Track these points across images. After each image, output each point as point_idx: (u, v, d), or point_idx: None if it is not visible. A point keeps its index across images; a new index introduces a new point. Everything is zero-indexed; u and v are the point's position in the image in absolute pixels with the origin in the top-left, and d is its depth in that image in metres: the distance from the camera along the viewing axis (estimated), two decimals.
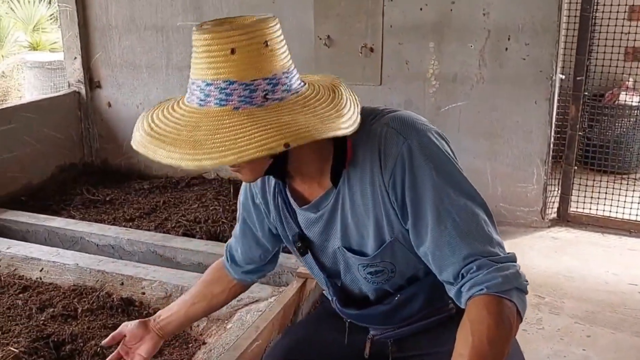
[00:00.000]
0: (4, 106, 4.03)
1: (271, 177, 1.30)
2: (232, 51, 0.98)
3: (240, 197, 1.43)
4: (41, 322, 2.21)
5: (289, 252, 2.73)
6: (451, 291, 1.15)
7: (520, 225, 3.25)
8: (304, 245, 1.30)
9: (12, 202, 3.56)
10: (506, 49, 3.12)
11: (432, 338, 1.32)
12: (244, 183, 1.39)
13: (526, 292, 1.11)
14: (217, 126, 0.98)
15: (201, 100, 1.02)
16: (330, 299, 1.40)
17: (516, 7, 3.05)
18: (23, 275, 2.62)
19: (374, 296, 1.32)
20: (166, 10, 3.84)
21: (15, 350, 1.99)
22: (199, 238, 3.00)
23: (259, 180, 1.33)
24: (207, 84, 1.01)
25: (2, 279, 2.60)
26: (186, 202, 3.56)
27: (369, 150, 1.14)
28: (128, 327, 1.47)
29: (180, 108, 1.07)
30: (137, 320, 1.48)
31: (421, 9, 3.22)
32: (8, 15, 8.91)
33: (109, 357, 1.47)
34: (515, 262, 1.12)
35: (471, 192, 1.13)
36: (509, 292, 1.08)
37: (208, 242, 2.90)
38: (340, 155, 1.16)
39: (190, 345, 2.14)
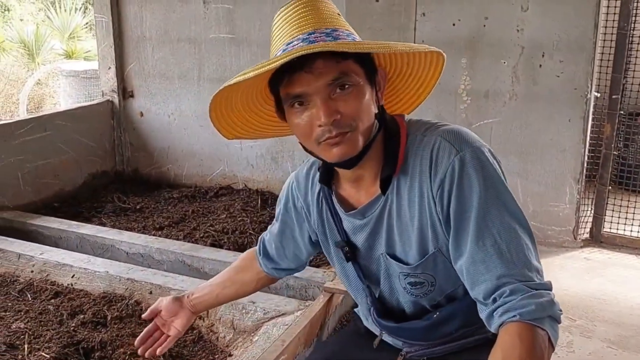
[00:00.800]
0: (40, 114, 4.13)
1: (315, 182, 1.32)
2: (338, 14, 1.16)
3: (282, 199, 1.44)
4: (72, 328, 2.24)
5: (317, 266, 2.73)
6: (482, 312, 1.14)
7: (552, 245, 3.20)
8: (351, 251, 1.30)
9: (45, 208, 3.64)
10: (540, 65, 3.09)
11: None
12: (288, 185, 1.41)
13: (559, 322, 1.09)
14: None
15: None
16: (366, 310, 1.39)
17: (551, 24, 3.02)
18: (55, 281, 2.67)
19: (410, 310, 1.31)
20: (199, 23, 3.90)
21: (46, 355, 2.02)
22: (226, 249, 3.02)
23: (302, 185, 1.36)
24: (310, 33, 1.09)
25: (35, 284, 2.64)
26: (214, 212, 3.58)
27: (420, 160, 1.16)
28: (164, 302, 1.56)
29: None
30: (172, 296, 1.57)
31: (454, 25, 3.21)
32: (45, 23, 9.16)
33: (146, 327, 1.57)
34: (551, 290, 1.10)
35: (517, 215, 1.12)
36: (542, 320, 1.06)
37: (236, 253, 2.91)
38: (391, 162, 1.18)
39: (216, 356, 2.15)
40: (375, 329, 1.44)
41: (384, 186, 1.20)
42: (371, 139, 1.16)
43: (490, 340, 1.25)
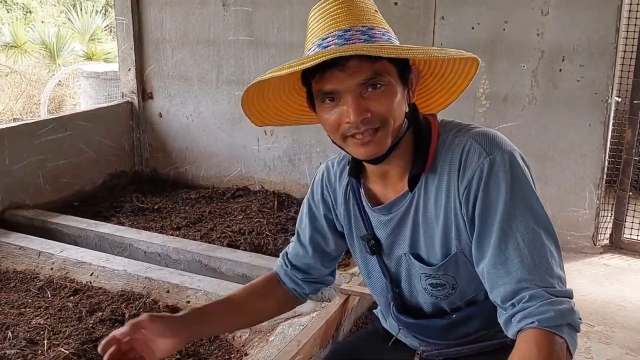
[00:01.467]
0: (61, 114, 4.19)
1: (344, 175, 1.32)
2: (376, 11, 1.16)
3: (307, 195, 1.42)
4: (90, 325, 2.27)
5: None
6: (501, 317, 1.13)
7: (570, 250, 3.16)
8: (377, 245, 1.30)
9: (65, 207, 3.68)
10: (560, 70, 3.06)
11: None
12: (319, 175, 1.39)
13: (578, 331, 1.08)
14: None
15: (341, 44, 1.09)
16: (386, 306, 1.39)
17: (571, 28, 2.99)
18: (74, 279, 2.70)
19: (430, 311, 1.31)
20: (218, 25, 3.93)
21: (65, 351, 2.05)
22: (243, 249, 3.03)
23: (332, 177, 1.36)
24: (346, 30, 1.09)
25: (55, 281, 2.68)
26: (231, 213, 3.60)
27: (450, 160, 1.16)
28: (146, 318, 1.19)
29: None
30: (158, 315, 1.23)
31: (473, 28, 3.20)
32: (66, 25, 9.29)
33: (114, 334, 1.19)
34: (572, 298, 1.09)
35: (543, 221, 1.12)
36: (560, 327, 1.05)
37: (252, 253, 2.92)
38: (420, 160, 1.18)
39: (232, 355, 2.16)
40: (393, 328, 1.44)
41: (412, 183, 1.20)
42: (400, 137, 1.16)
43: (509, 345, 1.24)
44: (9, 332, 2.23)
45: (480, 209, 1.12)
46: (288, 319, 2.24)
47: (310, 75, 1.12)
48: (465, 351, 1.31)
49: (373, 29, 1.11)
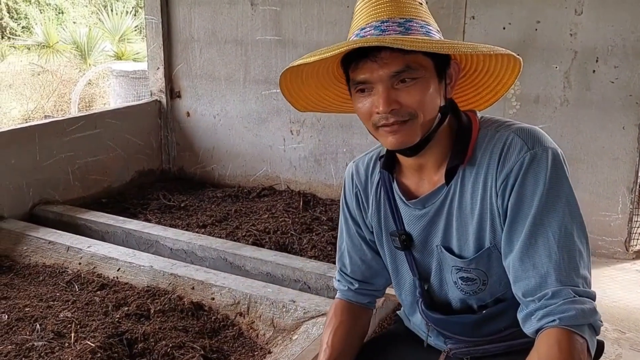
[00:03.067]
0: (91, 112, 4.25)
1: (376, 171, 1.32)
2: (420, 3, 1.16)
3: (343, 195, 1.41)
4: (116, 320, 2.29)
5: None
6: (520, 312, 1.12)
7: (602, 255, 3.09)
8: (408, 240, 1.29)
9: (94, 203, 3.73)
10: (594, 71, 3.00)
11: None
12: (348, 176, 1.38)
13: (598, 333, 1.07)
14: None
15: (377, 35, 1.10)
16: (413, 303, 1.37)
17: (606, 28, 2.93)
18: (101, 274, 2.73)
19: (458, 308, 1.29)
20: (246, 24, 3.94)
21: (91, 344, 2.07)
22: (267, 248, 3.03)
23: (362, 174, 1.36)
24: (383, 21, 1.10)
25: (82, 275, 2.71)
26: (257, 212, 3.61)
27: (489, 153, 1.16)
28: None
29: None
30: None
31: (504, 28, 3.15)
32: (97, 26, 9.44)
33: None
34: (594, 300, 1.08)
35: (577, 221, 1.11)
36: (582, 327, 1.03)
37: (277, 252, 2.92)
38: (458, 153, 1.18)
39: (256, 353, 2.16)
40: (418, 328, 1.42)
41: (449, 176, 1.19)
42: (431, 131, 1.16)
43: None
44: (37, 325, 2.26)
45: (515, 201, 1.11)
46: (312, 317, 2.23)
47: (348, 64, 1.14)
48: (493, 350, 1.29)
49: (412, 21, 1.11)
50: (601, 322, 1.07)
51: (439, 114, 1.16)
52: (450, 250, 1.24)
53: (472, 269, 1.21)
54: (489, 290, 1.23)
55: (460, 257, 1.22)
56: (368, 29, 1.11)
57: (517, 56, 1.18)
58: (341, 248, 1.45)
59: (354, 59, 1.12)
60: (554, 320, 1.04)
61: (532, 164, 1.10)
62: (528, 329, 1.09)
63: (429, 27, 1.14)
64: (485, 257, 1.19)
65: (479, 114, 1.25)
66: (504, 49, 1.15)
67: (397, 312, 1.57)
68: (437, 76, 1.14)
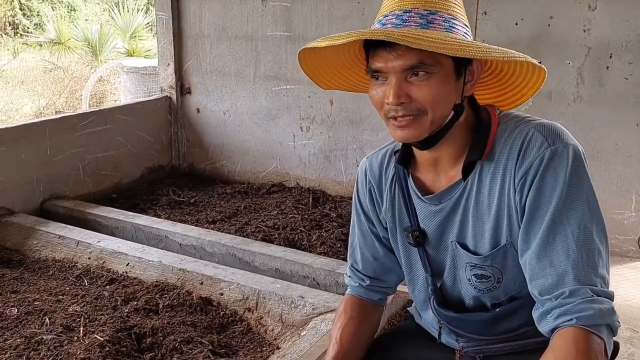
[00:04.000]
0: (101, 107, 4.25)
1: (390, 167, 1.31)
2: None
3: (356, 192, 1.40)
4: (125, 314, 2.29)
5: None
6: (536, 310, 1.10)
7: (615, 254, 3.05)
8: (421, 236, 1.28)
9: (104, 199, 3.74)
10: (607, 67, 2.96)
11: None
12: (361, 172, 1.37)
13: (615, 333, 1.05)
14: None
15: (397, 25, 1.10)
16: (425, 300, 1.36)
17: (620, 24, 2.89)
18: (110, 268, 2.73)
19: (471, 305, 1.27)
20: (257, 20, 3.93)
21: (100, 338, 2.07)
22: (277, 244, 3.02)
23: (376, 170, 1.34)
24: (406, 11, 1.09)
25: (92, 270, 2.72)
26: (266, 209, 3.60)
27: (509, 148, 1.14)
28: None
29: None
30: None
31: (516, 24, 3.12)
32: (108, 23, 9.48)
33: None
34: (612, 300, 1.06)
35: (597, 218, 1.09)
36: (599, 327, 1.02)
37: (286, 248, 2.91)
38: (477, 148, 1.16)
39: (264, 349, 2.15)
40: (430, 325, 1.41)
41: (467, 171, 1.17)
42: (443, 127, 1.14)
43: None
44: (47, 318, 2.26)
45: (534, 198, 1.09)
46: (321, 314, 2.22)
47: (368, 49, 1.14)
48: (507, 349, 1.27)
49: (435, 13, 1.09)
50: (619, 322, 1.05)
51: (452, 111, 1.14)
52: (465, 247, 1.22)
53: (487, 266, 1.20)
54: (503, 288, 1.22)
55: (475, 253, 1.20)
56: (390, 16, 1.11)
57: (539, 65, 1.15)
58: (353, 244, 1.43)
59: (371, 46, 1.12)
60: (571, 320, 1.02)
61: (552, 160, 1.08)
62: (544, 327, 1.08)
63: (454, 20, 1.11)
64: (501, 255, 1.18)
65: (497, 109, 1.23)
66: (520, 55, 1.11)
67: (408, 308, 1.56)
68: (455, 73, 1.12)
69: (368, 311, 1.41)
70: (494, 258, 1.18)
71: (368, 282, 1.41)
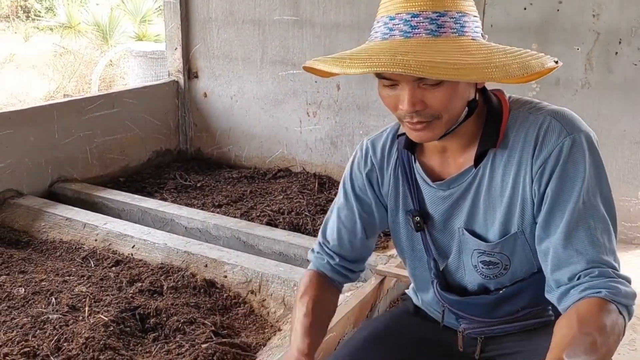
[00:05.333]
0: (109, 91, 4.28)
1: (394, 149, 1.29)
2: None
3: (355, 171, 1.35)
4: (130, 295, 2.32)
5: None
6: (556, 292, 1.10)
7: (620, 241, 2.99)
8: (422, 221, 1.27)
9: (111, 182, 3.78)
10: (616, 53, 2.92)
11: (523, 339, 1.27)
12: (361, 155, 1.34)
13: (630, 318, 1.06)
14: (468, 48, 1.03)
15: (405, 33, 1.04)
16: (427, 283, 1.36)
17: (630, 8, 2.85)
18: (116, 250, 2.76)
19: (474, 290, 1.28)
20: (264, 4, 3.92)
21: (105, 318, 2.10)
22: (281, 228, 3.03)
23: (379, 153, 1.32)
24: (414, 15, 1.04)
25: (98, 252, 2.75)
26: (272, 193, 3.61)
27: (523, 137, 1.13)
28: None
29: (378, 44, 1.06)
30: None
31: (525, 9, 3.08)
32: (119, 7, 9.47)
33: None
34: (631, 284, 1.08)
35: (611, 206, 1.11)
36: (623, 307, 1.04)
37: (290, 232, 2.93)
38: (490, 136, 1.15)
39: (266, 330, 2.17)
40: (430, 308, 1.41)
41: (479, 159, 1.17)
42: (457, 125, 1.14)
43: (553, 322, 1.22)
44: (53, 298, 2.30)
45: (555, 188, 1.09)
46: None
47: None
48: (508, 329, 1.28)
49: (445, 15, 1.04)
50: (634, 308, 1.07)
51: (466, 108, 1.13)
52: (473, 233, 1.22)
53: (496, 253, 1.20)
54: (509, 275, 1.22)
55: (484, 240, 1.21)
56: (398, 21, 1.04)
57: (557, 64, 1.13)
58: (330, 223, 1.39)
59: None
60: (599, 292, 1.03)
61: (572, 148, 1.09)
62: (567, 301, 1.07)
63: (464, 18, 1.06)
64: (511, 242, 1.18)
65: (506, 94, 1.22)
66: (538, 65, 1.08)
67: (405, 290, 1.57)
68: None
69: (331, 291, 1.38)
70: (503, 245, 1.19)
71: (337, 260, 1.37)
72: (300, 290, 1.36)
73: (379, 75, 1.10)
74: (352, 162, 1.37)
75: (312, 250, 1.44)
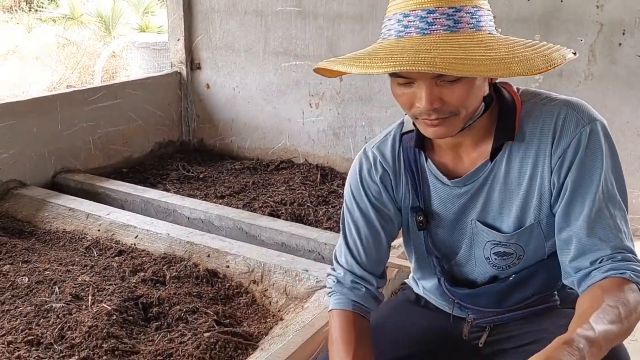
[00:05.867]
0: (112, 82, 4.28)
1: (401, 151, 1.27)
2: None
3: (359, 184, 1.30)
4: (132, 285, 2.33)
5: None
6: (575, 275, 1.11)
7: None
8: (425, 220, 1.27)
9: (114, 173, 3.79)
10: (620, 44, 2.91)
11: (528, 322, 1.28)
12: (369, 165, 1.29)
13: None
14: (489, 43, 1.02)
15: (422, 30, 1.03)
16: (432, 279, 1.36)
17: (634, 0, 2.84)
18: (119, 240, 2.77)
19: (483, 282, 1.29)
20: None
21: (107, 307, 2.11)
22: (283, 219, 3.04)
23: (389, 158, 1.28)
24: (430, 12, 1.02)
25: (101, 242, 2.76)
26: (274, 185, 3.62)
27: (540, 128, 1.14)
28: None
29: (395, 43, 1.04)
30: None
31: (528, 0, 3.07)
32: None
33: None
34: None
35: (625, 192, 1.14)
36: None
37: (292, 223, 2.93)
38: (505, 129, 1.15)
39: (268, 320, 2.18)
40: (430, 295, 1.42)
41: (495, 152, 1.17)
42: (473, 120, 1.13)
43: (555, 308, 1.24)
44: (56, 287, 2.31)
45: (575, 177, 1.11)
46: (324, 287, 2.24)
47: None
48: (517, 316, 1.30)
49: (461, 10, 1.03)
50: None
51: (482, 103, 1.13)
52: (487, 225, 1.22)
53: (511, 244, 1.21)
54: (521, 264, 1.24)
55: (499, 231, 1.21)
56: (413, 18, 1.02)
57: (575, 55, 1.13)
58: (349, 242, 1.32)
59: None
60: (624, 273, 1.05)
61: (590, 138, 1.10)
62: (588, 282, 1.09)
63: (479, 12, 1.05)
64: (527, 233, 1.19)
65: (514, 86, 1.22)
66: (559, 57, 1.08)
67: (405, 280, 1.57)
68: None
69: (361, 325, 1.29)
70: (520, 236, 1.20)
71: (375, 283, 1.31)
72: (330, 341, 1.27)
73: (393, 74, 1.08)
74: (360, 173, 1.31)
75: (331, 275, 1.36)
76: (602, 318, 0.97)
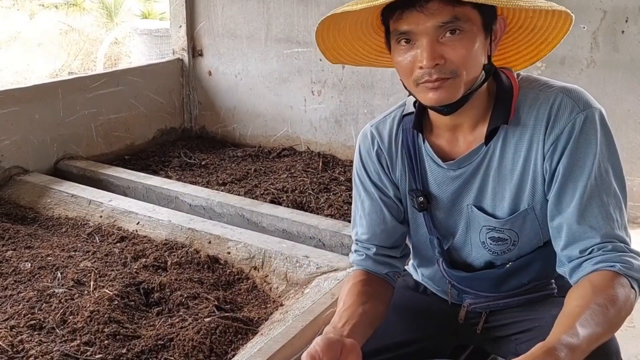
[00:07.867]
0: (114, 69, 4.28)
1: (400, 132, 1.28)
2: None
3: (360, 162, 1.33)
4: (134, 270, 2.35)
5: None
6: (568, 265, 1.12)
7: None
8: (426, 201, 1.27)
9: (116, 160, 3.80)
10: (623, 31, 2.90)
11: (525, 309, 1.29)
12: (369, 145, 1.32)
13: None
14: None
15: None
16: (430, 261, 1.37)
17: None
18: (121, 227, 2.79)
19: (481, 266, 1.29)
20: None
21: (109, 292, 2.13)
22: (285, 206, 3.05)
23: (386, 139, 1.30)
24: None
25: (103, 228, 2.78)
26: (276, 172, 3.63)
27: (535, 113, 1.14)
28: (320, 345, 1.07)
29: None
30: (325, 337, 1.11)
31: None
32: None
33: None
34: None
35: (622, 180, 1.13)
36: (637, 282, 1.06)
37: (293, 210, 2.94)
38: (501, 113, 1.15)
39: (268, 305, 2.20)
40: (430, 282, 1.43)
41: (490, 136, 1.17)
42: (473, 89, 1.13)
43: (552, 296, 1.24)
44: (59, 273, 2.33)
45: (567, 164, 1.11)
46: (324, 273, 2.26)
47: (389, 14, 1.10)
48: (513, 303, 1.30)
49: None
50: None
51: (482, 72, 1.13)
52: (482, 210, 1.23)
53: (505, 229, 1.21)
54: (516, 251, 1.24)
55: (493, 216, 1.21)
56: None
57: (571, 13, 1.14)
58: (356, 221, 1.37)
59: (398, 7, 1.07)
60: (613, 266, 1.05)
61: (584, 126, 1.10)
62: (580, 273, 1.09)
63: None
64: (521, 219, 1.19)
65: (514, 72, 1.22)
66: (559, 6, 1.11)
67: (405, 267, 1.58)
68: (484, 31, 1.10)
69: (376, 284, 1.31)
70: (513, 222, 1.20)
71: (374, 249, 1.32)
72: (343, 292, 1.30)
73: (398, 34, 1.09)
74: (360, 152, 1.34)
75: (352, 250, 1.40)
76: (589, 320, 0.98)
